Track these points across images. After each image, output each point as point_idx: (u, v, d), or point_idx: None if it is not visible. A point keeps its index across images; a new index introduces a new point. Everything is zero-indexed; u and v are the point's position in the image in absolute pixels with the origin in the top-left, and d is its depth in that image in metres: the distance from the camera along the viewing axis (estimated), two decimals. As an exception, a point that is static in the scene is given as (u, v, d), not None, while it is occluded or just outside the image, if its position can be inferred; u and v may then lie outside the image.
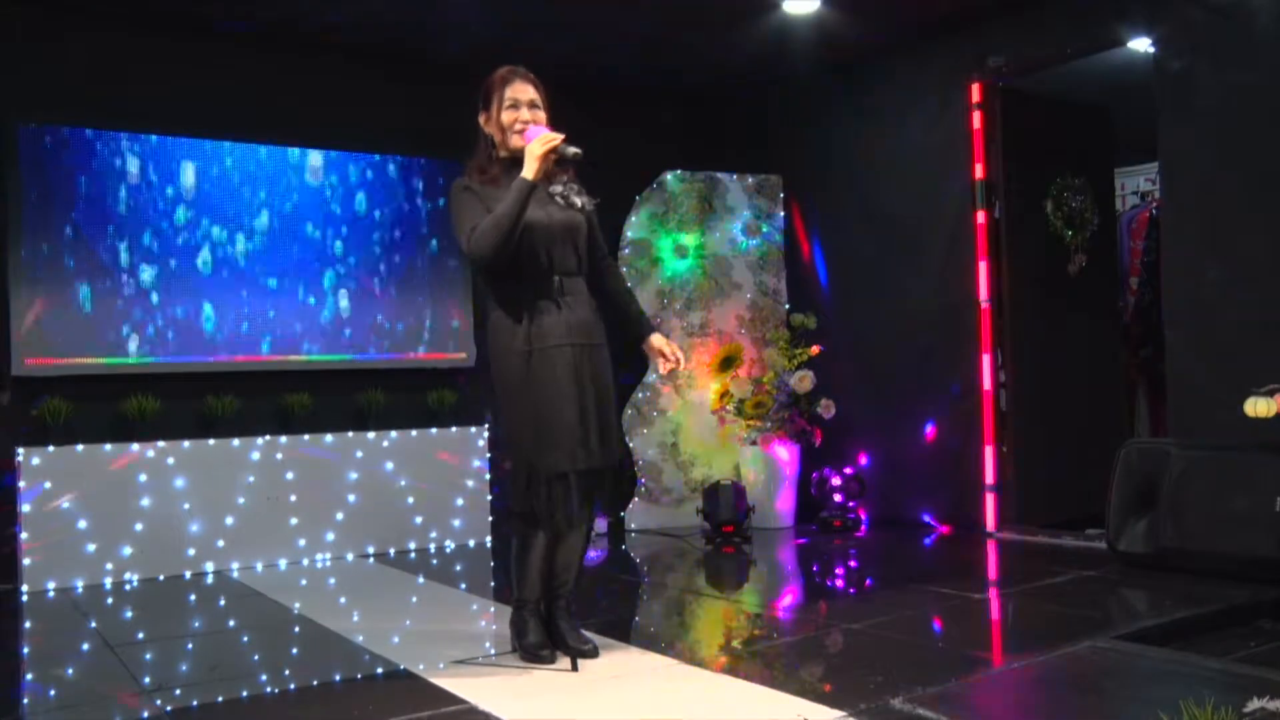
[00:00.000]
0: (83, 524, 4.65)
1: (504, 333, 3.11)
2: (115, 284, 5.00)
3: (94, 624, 3.94)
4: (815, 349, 5.81)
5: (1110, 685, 2.76)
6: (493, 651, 3.33)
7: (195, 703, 2.90)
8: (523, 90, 3.16)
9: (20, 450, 4.61)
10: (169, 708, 2.85)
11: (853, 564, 4.89)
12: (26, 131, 4.84)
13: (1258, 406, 3.94)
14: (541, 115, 3.17)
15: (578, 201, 3.20)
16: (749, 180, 6.15)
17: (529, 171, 3.01)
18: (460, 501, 5.53)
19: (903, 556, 5.02)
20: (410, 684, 3.01)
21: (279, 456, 5.10)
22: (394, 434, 5.40)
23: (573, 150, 3.08)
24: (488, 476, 5.58)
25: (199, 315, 5.17)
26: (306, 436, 5.21)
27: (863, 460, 5.91)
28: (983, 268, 5.38)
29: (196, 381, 5.17)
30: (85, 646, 3.64)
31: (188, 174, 5.17)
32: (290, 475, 5.12)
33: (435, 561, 5.13)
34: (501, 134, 3.17)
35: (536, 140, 3.03)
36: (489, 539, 5.52)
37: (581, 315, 3.16)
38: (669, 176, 6.04)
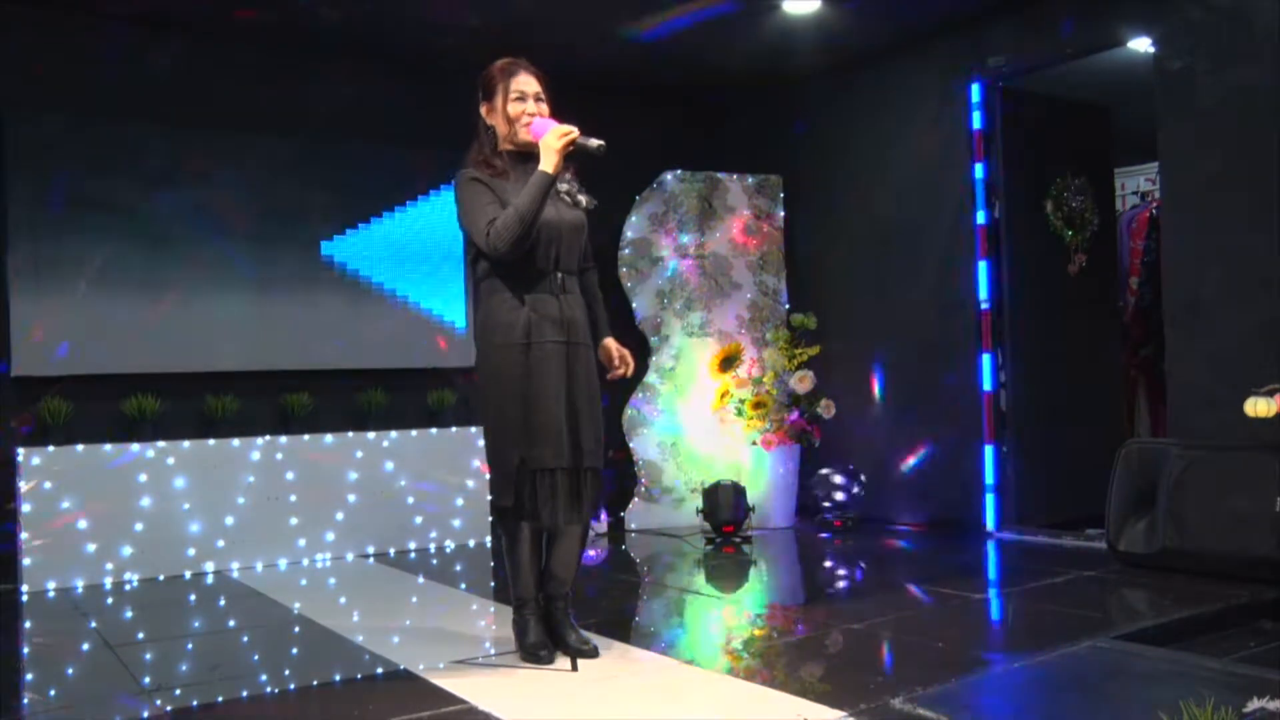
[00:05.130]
0: (83, 524, 4.65)
1: (500, 325, 3.09)
2: (115, 283, 4.99)
3: (94, 624, 3.94)
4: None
5: (1110, 685, 2.76)
6: (493, 651, 3.33)
7: (195, 703, 2.90)
8: (528, 82, 3.14)
9: (20, 450, 4.61)
10: (169, 708, 2.85)
11: (853, 564, 4.89)
12: (25, 129, 4.83)
13: (1258, 406, 3.94)
14: (545, 108, 3.15)
15: (582, 200, 3.20)
16: (749, 180, 6.16)
17: (548, 165, 2.98)
18: (460, 501, 5.53)
19: (903, 556, 5.02)
20: (410, 684, 3.00)
21: (279, 456, 5.10)
22: (394, 434, 5.40)
23: (595, 143, 3.00)
24: (487, 477, 5.57)
25: (199, 314, 5.16)
26: (306, 436, 5.21)
27: (862, 460, 5.91)
28: (983, 268, 5.38)
29: (196, 381, 5.17)
30: (85, 646, 3.64)
31: (188, 171, 5.16)
32: (290, 475, 5.12)
33: (435, 561, 5.13)
34: (507, 126, 3.14)
35: (552, 133, 2.99)
36: (489, 539, 5.52)
37: (576, 314, 3.15)
38: (669, 176, 6.04)
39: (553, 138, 2.98)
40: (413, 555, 5.29)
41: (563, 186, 3.14)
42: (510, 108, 3.13)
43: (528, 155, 3.13)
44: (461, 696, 2.81)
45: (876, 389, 5.92)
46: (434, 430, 5.54)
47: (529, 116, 3.11)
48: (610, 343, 3.37)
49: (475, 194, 3.08)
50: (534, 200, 2.97)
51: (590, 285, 3.36)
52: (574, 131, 3.00)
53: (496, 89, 3.15)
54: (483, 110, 3.20)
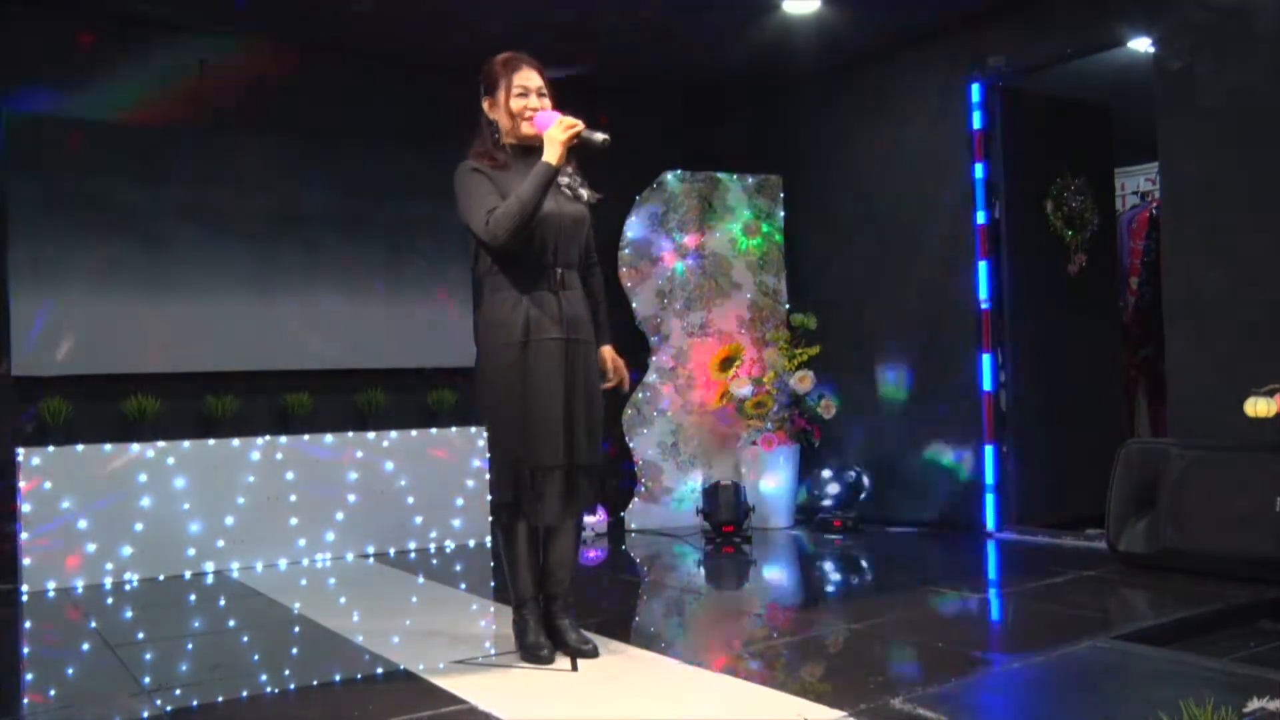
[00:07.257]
0: (83, 524, 4.65)
1: (498, 321, 3.08)
2: (115, 283, 4.99)
3: (94, 624, 3.94)
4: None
5: (1110, 685, 2.76)
6: (493, 651, 3.33)
7: (195, 703, 2.90)
8: (530, 77, 3.14)
9: (20, 450, 4.61)
10: (169, 708, 2.85)
11: (852, 564, 4.89)
12: (25, 129, 4.83)
13: (1258, 406, 3.94)
14: (547, 103, 3.15)
15: (584, 194, 3.19)
16: (749, 180, 6.15)
17: (551, 156, 2.97)
18: (460, 501, 5.53)
19: (902, 556, 5.01)
20: (410, 684, 3.00)
21: (279, 456, 5.10)
22: (394, 434, 5.40)
23: (600, 136, 3.00)
24: (488, 476, 5.57)
25: (199, 314, 5.16)
26: (306, 436, 5.21)
27: (862, 460, 5.91)
28: (983, 268, 5.38)
29: (196, 381, 5.17)
30: (85, 646, 3.64)
31: (188, 171, 5.16)
32: (290, 475, 5.12)
33: (435, 561, 5.13)
34: (510, 120, 3.14)
35: (557, 125, 2.98)
36: (489, 539, 5.52)
37: (576, 310, 3.14)
38: (669, 176, 6.04)
39: (557, 130, 2.98)
40: (413, 555, 5.29)
41: (564, 180, 3.14)
42: (513, 103, 3.12)
43: (530, 149, 3.13)
44: (461, 696, 2.81)
45: (876, 389, 5.91)
46: (434, 430, 5.54)
47: (531, 111, 3.11)
48: (607, 352, 3.33)
49: (475, 184, 3.08)
50: (536, 190, 2.96)
51: (594, 288, 3.32)
52: (579, 125, 3.00)
53: (499, 84, 3.14)
54: (485, 105, 3.19)
